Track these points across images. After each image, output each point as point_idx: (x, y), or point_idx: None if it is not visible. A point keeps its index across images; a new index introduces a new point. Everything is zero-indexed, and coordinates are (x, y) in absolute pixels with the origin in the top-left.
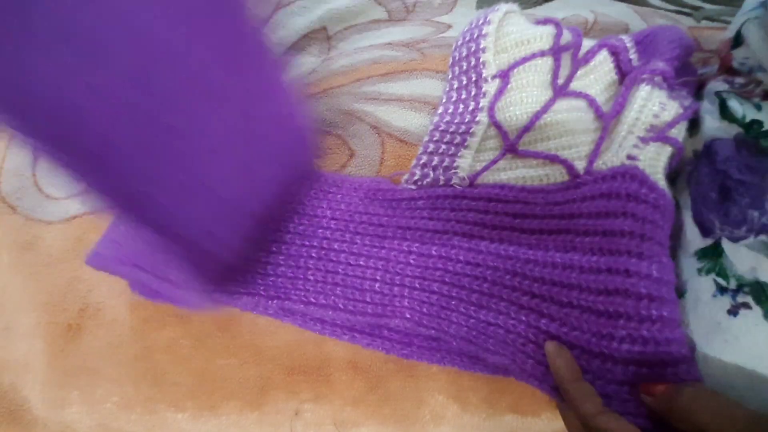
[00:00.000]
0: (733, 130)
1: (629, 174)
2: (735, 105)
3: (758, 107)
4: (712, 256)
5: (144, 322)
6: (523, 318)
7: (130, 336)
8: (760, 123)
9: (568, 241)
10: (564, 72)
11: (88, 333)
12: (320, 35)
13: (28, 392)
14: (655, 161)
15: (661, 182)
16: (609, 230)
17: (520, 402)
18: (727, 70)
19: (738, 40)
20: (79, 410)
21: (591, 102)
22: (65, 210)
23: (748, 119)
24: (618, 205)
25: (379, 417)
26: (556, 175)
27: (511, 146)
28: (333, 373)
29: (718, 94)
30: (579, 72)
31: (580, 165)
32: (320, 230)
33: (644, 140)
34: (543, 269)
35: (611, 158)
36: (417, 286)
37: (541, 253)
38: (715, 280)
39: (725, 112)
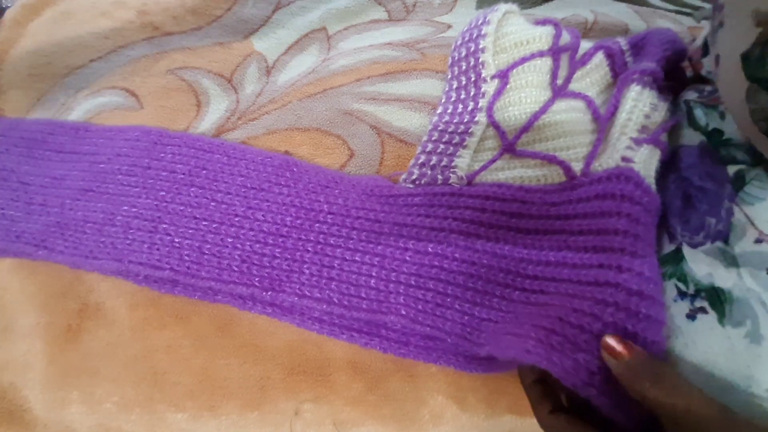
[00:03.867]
0: (698, 138)
1: (624, 175)
2: (699, 113)
3: (722, 116)
4: (674, 261)
5: (144, 322)
6: (512, 310)
7: (130, 336)
8: (721, 132)
9: (563, 241)
10: (562, 73)
11: (88, 333)
12: (320, 35)
13: (28, 392)
14: (648, 164)
15: (653, 185)
16: (603, 229)
17: (519, 402)
18: (698, 77)
19: (706, 48)
20: (79, 410)
21: (589, 103)
22: None
23: (710, 128)
24: (613, 205)
25: (378, 417)
26: (553, 175)
27: (509, 146)
28: (333, 373)
29: (686, 102)
30: (576, 74)
31: (577, 166)
32: (317, 224)
33: (638, 142)
34: (536, 267)
35: (606, 160)
36: (413, 283)
37: (535, 252)
38: (676, 285)
39: (691, 120)
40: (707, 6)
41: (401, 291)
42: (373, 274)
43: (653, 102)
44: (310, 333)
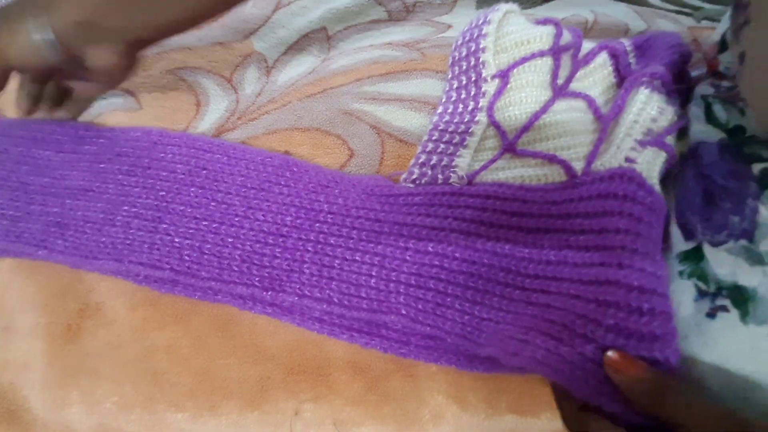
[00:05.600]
0: (717, 135)
1: (627, 175)
2: (719, 110)
3: (742, 112)
4: (694, 259)
5: (144, 322)
6: (512, 309)
7: (130, 336)
8: (743, 129)
9: (563, 240)
10: (564, 72)
11: (88, 333)
12: (320, 35)
13: (28, 392)
14: (651, 165)
15: (657, 187)
16: (604, 228)
17: (519, 402)
18: (714, 73)
19: (724, 45)
20: (79, 410)
21: (590, 103)
22: None
23: (731, 125)
24: (615, 204)
25: (378, 417)
26: (554, 175)
27: (510, 146)
28: (333, 373)
29: (704, 98)
30: (578, 73)
31: (578, 166)
32: (317, 224)
33: (642, 144)
34: (537, 266)
35: (609, 160)
36: (413, 282)
37: (536, 251)
38: (695, 284)
39: (710, 117)
40: (707, 6)
41: (401, 290)
42: (373, 273)
43: (661, 106)
44: (310, 333)
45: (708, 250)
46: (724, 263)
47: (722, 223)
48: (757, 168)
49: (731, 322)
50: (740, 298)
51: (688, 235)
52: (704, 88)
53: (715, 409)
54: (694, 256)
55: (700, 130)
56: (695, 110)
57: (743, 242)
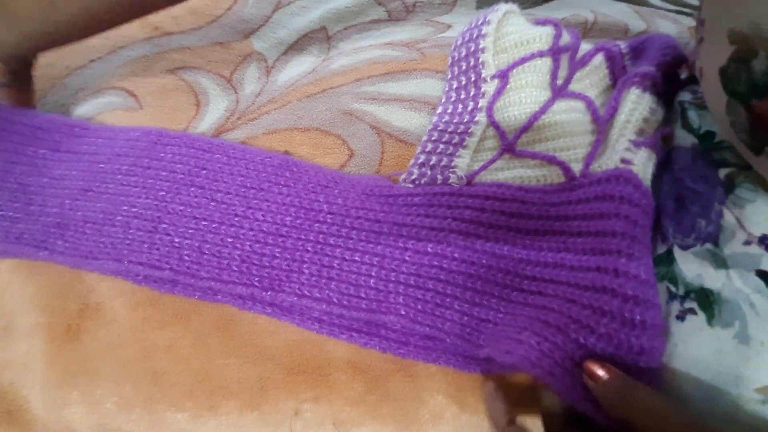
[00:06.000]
0: (691, 140)
1: (624, 177)
2: (693, 115)
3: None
4: (665, 263)
5: (144, 322)
6: (510, 311)
7: (130, 336)
8: (713, 134)
9: (561, 242)
10: (562, 73)
11: (88, 333)
12: (320, 35)
13: (28, 392)
14: (646, 166)
15: (650, 188)
16: (601, 231)
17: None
18: (693, 78)
19: None
20: (79, 410)
21: (589, 104)
22: None
23: (703, 130)
24: (611, 206)
25: (378, 417)
26: (553, 176)
27: (509, 146)
28: (332, 373)
29: (681, 103)
30: (576, 75)
31: (576, 167)
32: (317, 224)
33: (637, 144)
34: (534, 268)
35: (606, 161)
36: (412, 282)
37: (534, 252)
38: (667, 287)
39: (685, 122)
40: None
41: (401, 291)
42: (373, 274)
43: (652, 106)
44: (310, 333)
45: (678, 253)
46: (692, 266)
47: (690, 226)
48: (723, 173)
49: (699, 325)
50: (706, 300)
51: (662, 238)
52: (683, 94)
53: (676, 415)
54: (666, 259)
55: (677, 135)
56: (674, 115)
57: (708, 246)
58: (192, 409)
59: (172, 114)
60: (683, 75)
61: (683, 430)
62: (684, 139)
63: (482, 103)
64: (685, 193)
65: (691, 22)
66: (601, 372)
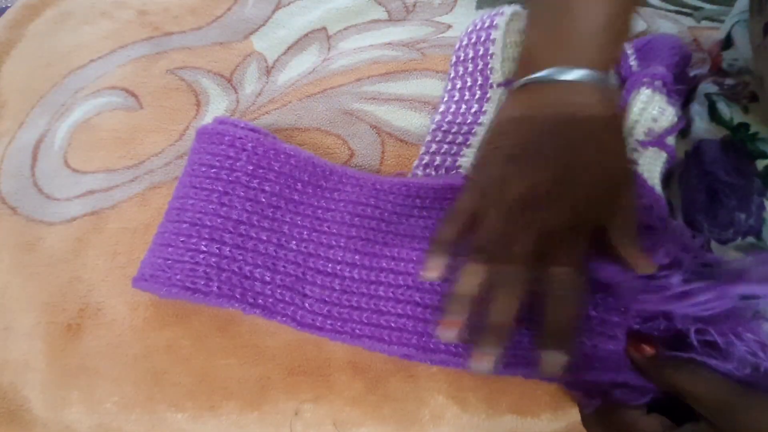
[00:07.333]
0: (721, 133)
1: None
2: (723, 108)
3: (746, 109)
4: None
5: (144, 322)
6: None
7: (130, 336)
8: (747, 126)
9: None
10: None
11: (88, 333)
12: (320, 35)
13: (28, 392)
14: (652, 166)
15: (657, 187)
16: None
17: (519, 402)
18: (718, 71)
19: (728, 42)
20: (79, 410)
21: None
22: (66, 211)
23: (735, 122)
24: None
25: (378, 417)
26: None
27: None
28: (333, 374)
29: (708, 96)
30: None
31: None
32: (317, 224)
33: (643, 144)
34: None
35: None
36: (411, 283)
37: None
38: None
39: (714, 115)
40: (707, 6)
41: (401, 291)
42: (374, 273)
43: (662, 106)
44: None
45: (716, 247)
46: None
47: (728, 220)
48: (761, 164)
49: None
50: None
51: (696, 231)
52: (708, 87)
53: (719, 379)
54: None
55: (704, 129)
56: (698, 109)
57: (751, 239)
58: (192, 409)
59: (172, 114)
60: (703, 69)
61: (725, 392)
62: (712, 132)
63: (488, 107)
64: (719, 186)
65: (691, 22)
66: (647, 348)
